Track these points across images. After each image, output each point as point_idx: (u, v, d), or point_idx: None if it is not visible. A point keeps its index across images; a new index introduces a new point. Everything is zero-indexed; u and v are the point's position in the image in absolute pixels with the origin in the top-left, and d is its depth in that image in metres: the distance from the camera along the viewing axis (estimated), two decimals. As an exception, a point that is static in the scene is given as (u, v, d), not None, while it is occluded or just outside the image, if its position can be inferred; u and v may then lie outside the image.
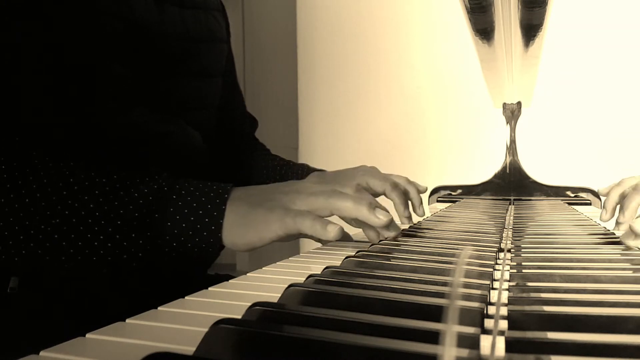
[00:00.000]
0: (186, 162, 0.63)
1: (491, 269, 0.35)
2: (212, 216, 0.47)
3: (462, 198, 1.01)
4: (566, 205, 0.91)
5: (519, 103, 0.98)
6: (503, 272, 0.35)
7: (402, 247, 0.46)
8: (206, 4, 0.69)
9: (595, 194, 0.94)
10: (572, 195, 0.96)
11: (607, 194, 0.67)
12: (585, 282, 0.32)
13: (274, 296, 0.30)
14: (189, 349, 0.23)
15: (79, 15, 0.53)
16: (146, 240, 0.46)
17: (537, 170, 0.99)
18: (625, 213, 0.59)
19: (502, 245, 0.47)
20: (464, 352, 0.20)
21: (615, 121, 1.47)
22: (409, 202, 0.65)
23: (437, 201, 1.02)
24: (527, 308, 0.25)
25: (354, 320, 0.23)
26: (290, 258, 0.48)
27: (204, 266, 0.72)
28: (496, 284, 0.32)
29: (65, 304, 0.55)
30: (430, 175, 1.66)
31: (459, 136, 1.65)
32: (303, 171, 0.80)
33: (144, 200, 0.46)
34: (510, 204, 0.90)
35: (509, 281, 0.33)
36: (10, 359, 0.23)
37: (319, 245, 0.59)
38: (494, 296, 0.29)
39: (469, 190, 1.01)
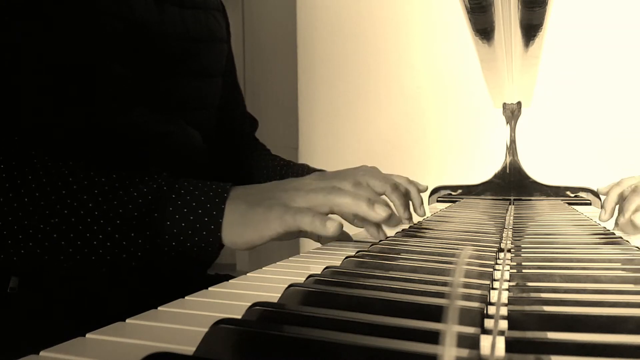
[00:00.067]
0: (186, 162, 0.63)
1: (491, 269, 0.35)
2: (212, 215, 0.47)
3: (462, 198, 1.01)
4: (566, 205, 0.91)
5: (519, 103, 0.98)
6: (503, 272, 0.35)
7: (402, 247, 0.46)
8: (206, 4, 0.69)
9: (595, 194, 0.94)
10: (572, 195, 0.96)
11: (606, 194, 0.67)
12: (585, 282, 0.32)
13: (274, 296, 0.30)
14: (189, 349, 0.23)
15: (79, 15, 0.53)
16: (145, 240, 0.46)
17: (537, 170, 0.99)
18: (625, 215, 0.59)
19: (502, 245, 0.47)
20: (464, 352, 0.20)
21: (615, 121, 1.47)
22: (410, 202, 0.65)
23: (437, 201, 1.03)
24: (527, 308, 0.25)
25: (354, 320, 0.23)
26: (290, 258, 0.48)
27: (204, 266, 0.72)
28: (496, 284, 0.32)
29: (65, 304, 0.55)
30: (430, 175, 1.66)
31: (459, 136, 1.65)
32: (303, 171, 0.80)
33: (143, 199, 0.46)
34: (510, 204, 0.90)
35: (509, 281, 0.33)
36: (10, 359, 0.23)
37: (319, 245, 0.59)
38: (494, 296, 0.29)
39: (469, 190, 1.01)
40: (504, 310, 0.25)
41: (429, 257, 0.41)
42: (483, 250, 0.43)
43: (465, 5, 0.56)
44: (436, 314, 0.24)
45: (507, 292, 0.30)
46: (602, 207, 0.68)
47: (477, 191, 1.00)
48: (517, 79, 0.84)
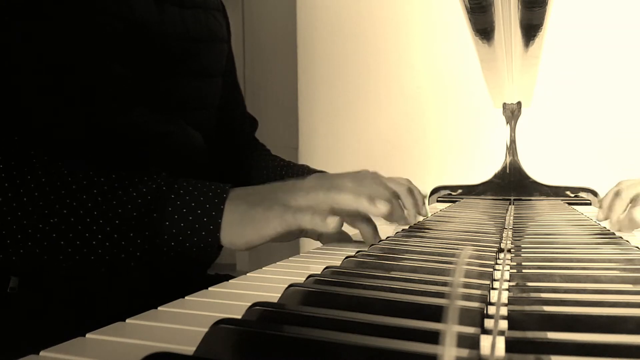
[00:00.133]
0: (186, 162, 0.63)
1: (491, 269, 0.35)
2: (211, 216, 0.47)
3: (462, 198, 1.01)
4: (566, 205, 0.91)
5: (519, 103, 0.98)
6: (503, 272, 0.35)
7: (402, 247, 0.46)
8: (206, 4, 0.69)
9: (595, 194, 0.94)
10: (572, 195, 0.96)
11: (604, 200, 0.67)
12: (585, 282, 0.32)
13: (274, 296, 0.30)
14: (189, 349, 0.23)
15: (79, 15, 0.53)
16: (144, 240, 0.46)
17: (537, 170, 0.99)
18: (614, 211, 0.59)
19: (502, 245, 0.47)
20: (464, 352, 0.20)
21: (615, 121, 1.47)
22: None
23: (437, 201, 1.03)
24: (527, 308, 0.25)
25: (354, 320, 0.23)
26: (290, 258, 0.48)
27: (204, 266, 0.72)
28: (496, 284, 0.32)
29: (65, 304, 0.55)
30: (430, 175, 1.66)
31: (459, 136, 1.65)
32: (303, 172, 0.80)
33: (142, 199, 0.46)
34: (510, 204, 0.90)
35: (509, 281, 0.33)
36: (10, 359, 0.23)
37: (319, 245, 0.59)
38: (494, 296, 0.29)
39: (469, 190, 1.01)
40: (504, 310, 0.25)
41: (429, 257, 0.41)
42: (483, 250, 0.43)
43: (465, 5, 0.56)
44: (436, 314, 0.24)
45: (507, 292, 0.30)
46: (600, 207, 0.68)
47: (477, 191, 1.00)
48: (517, 79, 0.84)
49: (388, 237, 0.54)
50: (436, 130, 1.69)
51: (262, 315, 0.24)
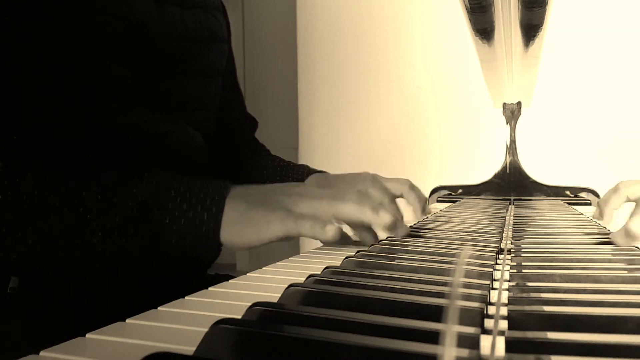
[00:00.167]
0: (186, 162, 0.63)
1: (491, 269, 0.35)
2: (211, 213, 0.47)
3: (462, 198, 1.01)
4: (566, 205, 0.91)
5: (519, 103, 0.98)
6: (503, 272, 0.35)
7: (402, 247, 0.46)
8: (206, 4, 0.69)
9: (596, 194, 0.94)
10: (572, 195, 0.96)
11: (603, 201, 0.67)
12: (585, 282, 0.32)
13: (274, 296, 0.30)
14: (189, 349, 0.23)
15: (79, 15, 0.53)
16: (145, 237, 0.46)
17: (537, 170, 0.98)
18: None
19: (502, 245, 0.47)
20: (464, 352, 0.20)
21: (615, 121, 1.47)
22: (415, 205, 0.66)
23: (437, 201, 1.02)
24: (527, 308, 0.25)
25: (354, 320, 0.23)
26: (290, 258, 0.48)
27: (204, 265, 0.72)
28: (496, 284, 0.32)
29: (65, 304, 0.55)
30: (430, 175, 1.66)
31: (459, 136, 1.65)
32: (303, 172, 0.80)
33: (142, 196, 0.46)
34: (510, 204, 0.90)
35: (509, 281, 0.32)
36: (10, 359, 0.23)
37: (319, 245, 0.59)
38: (494, 296, 0.29)
39: (469, 190, 1.01)
40: (504, 310, 0.25)
41: (429, 257, 0.41)
42: (483, 250, 0.43)
43: (465, 5, 0.56)
44: (436, 314, 0.24)
45: (507, 292, 0.30)
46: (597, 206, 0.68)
47: (477, 191, 1.00)
48: (517, 79, 0.84)
49: (388, 237, 0.54)
50: (436, 130, 1.69)
51: (262, 315, 0.24)
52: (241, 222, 0.47)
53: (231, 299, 0.33)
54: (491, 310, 0.26)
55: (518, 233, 0.55)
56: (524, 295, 0.29)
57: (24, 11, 0.50)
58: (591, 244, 0.49)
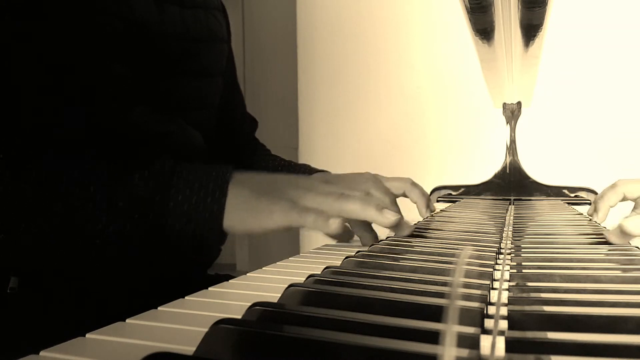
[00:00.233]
0: (186, 162, 0.63)
1: (491, 269, 0.35)
2: (214, 197, 0.47)
3: (462, 198, 1.01)
4: (566, 205, 0.91)
5: (519, 103, 0.98)
6: (503, 272, 0.35)
7: (402, 247, 0.46)
8: (206, 4, 0.69)
9: (595, 194, 0.94)
10: (572, 195, 0.96)
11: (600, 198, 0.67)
12: (585, 282, 0.32)
13: (274, 296, 0.30)
14: (189, 349, 0.23)
15: (79, 15, 0.53)
16: (149, 223, 0.46)
17: (537, 170, 0.98)
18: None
19: (502, 245, 0.47)
20: (464, 352, 0.20)
21: (615, 121, 1.47)
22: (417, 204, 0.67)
23: (437, 201, 1.02)
24: (527, 308, 0.25)
25: (354, 320, 0.23)
26: (290, 258, 0.48)
27: (204, 266, 0.72)
28: (496, 284, 0.32)
29: (65, 304, 0.55)
30: (430, 175, 1.66)
31: (459, 136, 1.65)
32: (304, 171, 0.80)
33: (145, 181, 0.46)
34: (510, 204, 0.90)
35: (509, 281, 0.32)
36: (10, 359, 0.23)
37: (319, 245, 0.59)
38: (494, 296, 0.29)
39: (469, 190, 1.01)
40: (504, 310, 0.25)
41: (429, 257, 0.41)
42: (483, 250, 0.43)
43: (465, 5, 0.56)
44: (436, 314, 0.24)
45: (507, 292, 0.30)
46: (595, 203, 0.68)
47: (477, 191, 1.00)
48: (517, 79, 0.84)
49: (388, 237, 0.54)
50: (436, 130, 1.69)
51: (262, 315, 0.24)
52: (244, 209, 0.47)
53: (231, 299, 0.33)
54: (491, 310, 0.26)
55: (518, 233, 0.55)
56: (524, 295, 0.29)
57: (24, 11, 0.50)
58: (591, 243, 0.49)
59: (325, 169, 0.81)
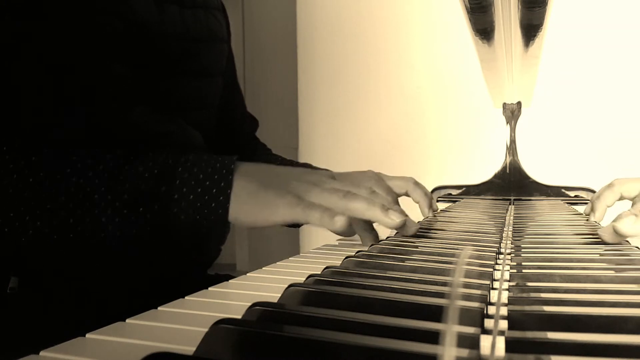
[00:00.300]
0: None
1: (491, 269, 0.35)
2: (220, 187, 0.46)
3: (462, 198, 1.01)
4: (566, 205, 0.91)
5: (519, 103, 0.98)
6: (503, 272, 0.35)
7: (402, 247, 0.46)
8: (206, 3, 0.69)
9: (596, 194, 0.94)
10: (572, 195, 0.96)
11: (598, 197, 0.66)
12: (585, 282, 0.32)
13: (274, 296, 0.30)
14: (189, 349, 0.23)
15: (79, 15, 0.53)
16: (154, 215, 0.45)
17: (537, 170, 0.98)
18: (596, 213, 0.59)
19: (502, 245, 0.47)
20: (464, 352, 0.20)
21: (615, 121, 1.47)
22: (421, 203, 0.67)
23: (437, 201, 1.02)
24: (527, 308, 0.25)
25: (354, 320, 0.23)
26: (290, 258, 0.48)
27: (204, 266, 0.72)
28: (496, 284, 0.32)
29: (65, 304, 0.55)
30: (430, 175, 1.66)
31: (459, 136, 1.65)
32: (305, 171, 0.80)
33: (149, 174, 0.46)
34: (510, 204, 0.90)
35: (509, 281, 0.32)
36: (10, 359, 0.23)
37: (319, 245, 0.59)
38: (494, 296, 0.29)
39: (469, 190, 1.01)
40: (504, 310, 0.25)
41: (429, 257, 0.41)
42: (483, 250, 0.43)
43: (465, 5, 0.56)
44: (436, 314, 0.24)
45: (507, 292, 0.30)
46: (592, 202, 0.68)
47: (477, 191, 1.00)
48: (517, 79, 0.84)
49: (388, 237, 0.54)
50: (436, 130, 1.69)
51: (262, 315, 0.24)
52: (249, 201, 0.47)
53: (231, 299, 0.33)
54: (491, 310, 0.26)
55: (518, 233, 0.55)
56: (524, 295, 0.29)
57: (24, 11, 0.50)
58: (591, 244, 0.49)
59: (325, 169, 0.81)
